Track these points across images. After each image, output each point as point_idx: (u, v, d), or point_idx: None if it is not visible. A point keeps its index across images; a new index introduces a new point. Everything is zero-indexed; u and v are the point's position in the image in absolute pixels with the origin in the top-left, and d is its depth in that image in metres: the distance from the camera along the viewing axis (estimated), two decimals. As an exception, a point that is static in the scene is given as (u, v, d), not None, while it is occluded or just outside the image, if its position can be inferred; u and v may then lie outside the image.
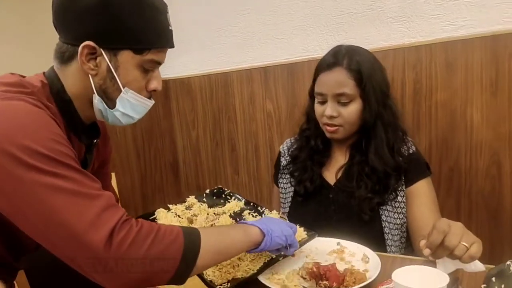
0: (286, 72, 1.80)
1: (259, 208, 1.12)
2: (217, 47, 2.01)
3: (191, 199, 1.12)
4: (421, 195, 1.13)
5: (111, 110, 0.84)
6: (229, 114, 2.02)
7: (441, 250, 0.78)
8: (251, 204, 1.15)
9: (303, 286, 0.86)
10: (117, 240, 0.65)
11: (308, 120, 1.25)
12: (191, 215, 1.04)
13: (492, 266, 0.81)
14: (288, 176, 1.29)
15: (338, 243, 1.02)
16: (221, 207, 1.11)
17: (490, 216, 1.46)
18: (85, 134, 0.88)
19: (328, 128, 1.14)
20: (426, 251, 0.79)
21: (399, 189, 1.13)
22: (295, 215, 1.19)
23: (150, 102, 0.88)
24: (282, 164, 1.32)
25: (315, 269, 0.85)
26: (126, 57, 0.80)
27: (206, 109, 2.09)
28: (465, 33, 1.43)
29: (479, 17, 1.40)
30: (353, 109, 1.10)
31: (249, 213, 1.08)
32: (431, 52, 1.48)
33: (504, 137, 1.39)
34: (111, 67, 0.79)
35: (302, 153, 1.24)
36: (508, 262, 0.75)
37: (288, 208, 1.26)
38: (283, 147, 1.35)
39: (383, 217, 1.12)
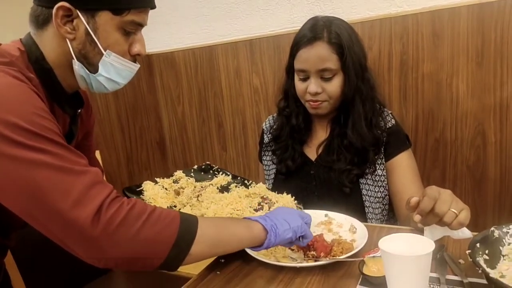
0: (272, 45, 1.76)
1: (245, 181, 1.12)
2: (200, 19, 1.95)
3: (179, 173, 1.12)
4: (402, 167, 1.13)
5: (93, 75, 0.80)
6: (215, 89, 1.98)
7: (431, 217, 0.79)
8: (238, 178, 1.15)
9: (291, 257, 0.86)
10: (106, 218, 0.63)
11: (286, 97, 1.22)
12: (178, 188, 1.04)
13: (477, 233, 0.83)
14: (270, 153, 1.28)
15: (326, 215, 1.02)
16: (208, 181, 1.11)
17: (475, 185, 1.48)
18: (68, 104, 0.85)
19: (312, 103, 1.11)
20: (417, 217, 0.80)
21: (379, 162, 1.13)
22: (277, 192, 1.18)
23: (136, 66, 0.85)
24: (265, 141, 1.31)
25: (303, 240, 0.85)
26: (105, 18, 0.76)
27: (191, 84, 2.04)
28: (452, 1, 1.41)
29: (466, -16, 1.38)
30: (336, 84, 1.08)
31: (236, 186, 1.08)
32: (418, 22, 1.46)
33: (488, 107, 1.40)
34: (90, 30, 0.75)
35: (283, 132, 1.22)
36: (492, 229, 0.76)
37: (271, 185, 1.26)
38: (265, 124, 1.34)
39: (364, 191, 1.13)
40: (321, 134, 1.22)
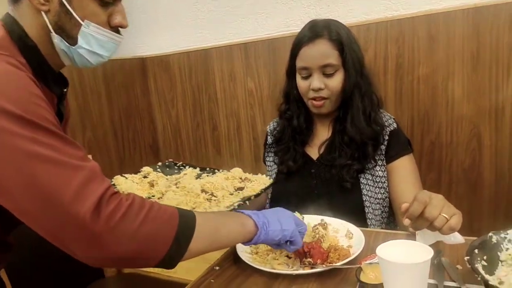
0: (267, 48, 1.75)
1: (216, 170, 1.13)
2: (195, 23, 1.93)
3: (146, 169, 1.13)
4: (403, 171, 1.13)
5: (74, 47, 0.77)
6: (209, 92, 1.97)
7: (421, 221, 0.79)
8: (207, 169, 1.15)
9: (287, 264, 0.85)
10: (107, 213, 0.60)
11: (287, 100, 1.24)
12: (150, 181, 1.03)
13: (473, 238, 0.82)
14: (272, 154, 1.30)
15: (322, 220, 1.01)
16: (177, 175, 1.12)
17: (470, 189, 1.48)
18: (54, 83, 0.82)
19: (315, 102, 1.14)
20: (406, 221, 0.80)
21: (380, 163, 1.13)
22: (278, 190, 1.21)
23: (119, 37, 0.81)
24: (268, 143, 1.33)
25: (299, 247, 0.83)
26: None
27: (186, 87, 2.03)
28: (447, 5, 1.41)
29: (461, -12, 1.38)
30: (338, 79, 1.11)
31: (207, 175, 1.09)
32: (414, 25, 1.45)
33: (484, 110, 1.40)
34: (63, 0, 0.73)
35: (284, 134, 1.24)
36: (490, 234, 0.75)
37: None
38: (269, 127, 1.35)
39: (364, 191, 1.13)
40: (323, 134, 1.23)
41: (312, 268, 0.80)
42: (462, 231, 0.90)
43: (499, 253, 0.73)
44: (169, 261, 0.68)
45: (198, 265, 1.57)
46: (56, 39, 0.76)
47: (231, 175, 1.06)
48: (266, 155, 1.34)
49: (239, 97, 1.89)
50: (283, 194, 1.18)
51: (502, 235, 0.75)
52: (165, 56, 2.03)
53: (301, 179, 1.19)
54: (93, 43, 0.77)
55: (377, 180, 1.13)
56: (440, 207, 0.78)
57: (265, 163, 1.35)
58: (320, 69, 1.10)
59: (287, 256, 0.87)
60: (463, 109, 1.43)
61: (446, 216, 0.77)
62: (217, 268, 0.89)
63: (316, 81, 1.10)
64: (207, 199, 0.94)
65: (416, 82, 1.49)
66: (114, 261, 0.65)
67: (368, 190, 1.12)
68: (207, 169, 1.15)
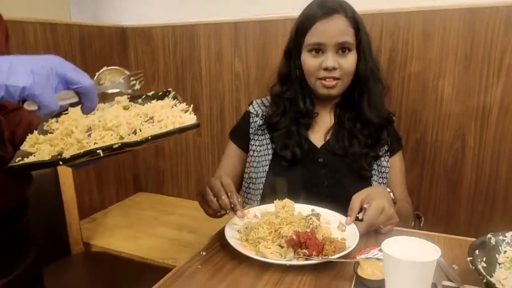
0: (259, 30, 1.69)
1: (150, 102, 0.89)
2: (184, -5, 1.84)
3: None
4: (395, 168, 1.15)
5: None
6: (193, 70, 1.88)
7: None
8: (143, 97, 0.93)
9: (279, 254, 0.81)
10: None
11: (285, 81, 1.13)
12: None
13: (453, 236, 0.88)
14: (264, 138, 1.16)
15: (313, 210, 0.97)
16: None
17: (450, 188, 1.50)
18: None
19: (326, 82, 1.05)
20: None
21: (386, 154, 1.12)
22: (281, 182, 1.09)
23: None
24: (257, 124, 1.17)
25: (295, 237, 0.79)
26: None
27: (169, 63, 1.93)
28: (444, 3, 1.40)
29: (461, -13, 1.38)
30: (352, 60, 1.04)
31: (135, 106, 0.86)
32: (409, 20, 1.44)
33: (471, 111, 1.41)
34: None
35: (284, 117, 1.12)
36: (488, 235, 0.74)
37: (265, 173, 1.13)
38: (253, 108, 1.20)
39: (373, 183, 1.10)
40: (325, 120, 1.15)
41: (307, 259, 0.77)
42: (438, 229, 0.97)
43: (497, 255, 0.72)
44: None
45: (173, 247, 1.52)
46: None
47: (145, 111, 0.80)
48: (251, 138, 1.17)
49: (225, 78, 1.81)
50: (290, 186, 1.07)
51: (501, 237, 0.74)
52: (148, 28, 1.92)
53: (305, 168, 1.10)
54: None
55: (382, 170, 1.12)
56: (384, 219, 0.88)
57: (239, 146, 1.19)
58: (336, 47, 1.02)
59: (280, 245, 0.82)
60: (451, 108, 1.44)
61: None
62: (203, 253, 0.84)
63: (330, 59, 1.02)
64: (78, 142, 0.69)
65: (407, 79, 1.48)
66: None
67: (376, 181, 1.10)
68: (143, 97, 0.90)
